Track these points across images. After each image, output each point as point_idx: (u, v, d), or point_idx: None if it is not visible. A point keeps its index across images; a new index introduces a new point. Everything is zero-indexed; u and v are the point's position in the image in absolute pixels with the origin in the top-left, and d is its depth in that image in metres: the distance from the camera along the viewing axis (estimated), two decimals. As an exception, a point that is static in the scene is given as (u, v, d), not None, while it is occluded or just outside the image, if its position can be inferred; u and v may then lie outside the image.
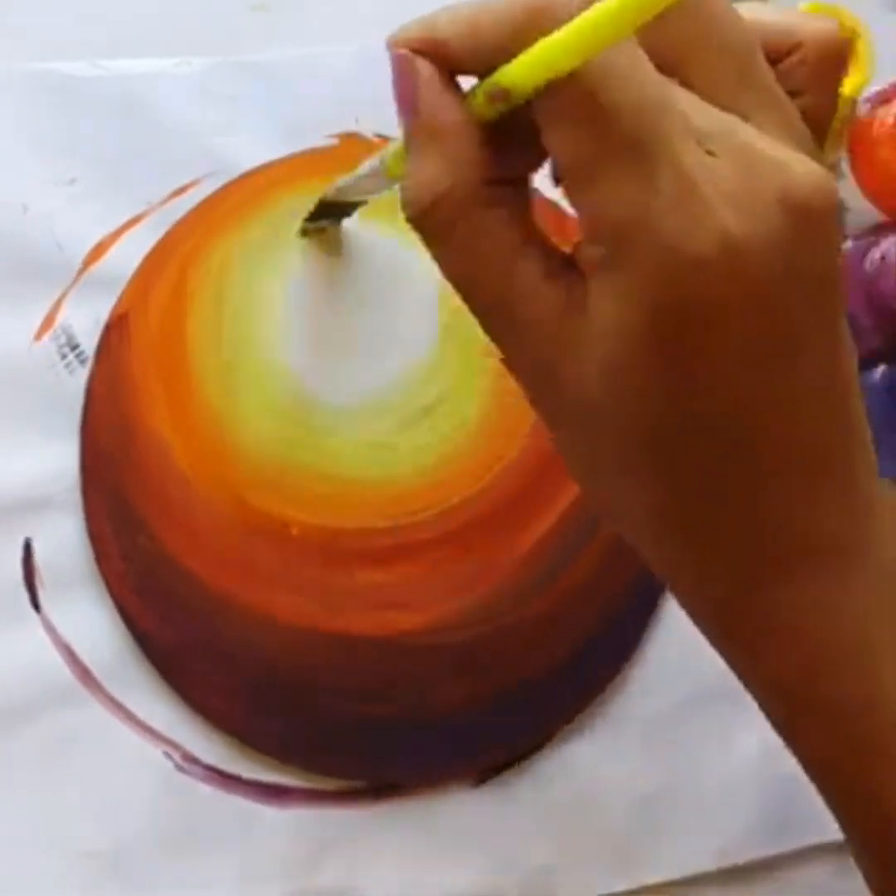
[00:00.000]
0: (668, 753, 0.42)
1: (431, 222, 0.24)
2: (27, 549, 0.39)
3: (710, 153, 0.21)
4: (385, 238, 0.44)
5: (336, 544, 0.41)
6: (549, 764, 0.42)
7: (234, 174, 0.43)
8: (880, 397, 0.44)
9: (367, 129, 0.45)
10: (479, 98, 0.24)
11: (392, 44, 0.25)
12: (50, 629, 0.39)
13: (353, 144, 0.45)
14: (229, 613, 0.40)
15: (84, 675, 0.39)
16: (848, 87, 0.45)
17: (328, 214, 0.42)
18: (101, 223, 0.42)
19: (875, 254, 0.44)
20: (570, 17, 0.21)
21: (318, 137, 0.45)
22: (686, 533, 0.25)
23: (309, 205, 0.42)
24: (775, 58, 0.24)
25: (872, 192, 0.46)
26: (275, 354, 0.42)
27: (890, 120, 0.45)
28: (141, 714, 0.39)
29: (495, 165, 0.24)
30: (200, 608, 0.40)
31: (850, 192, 0.47)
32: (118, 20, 0.44)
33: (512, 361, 0.25)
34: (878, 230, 0.46)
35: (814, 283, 0.22)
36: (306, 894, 0.39)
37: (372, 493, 0.41)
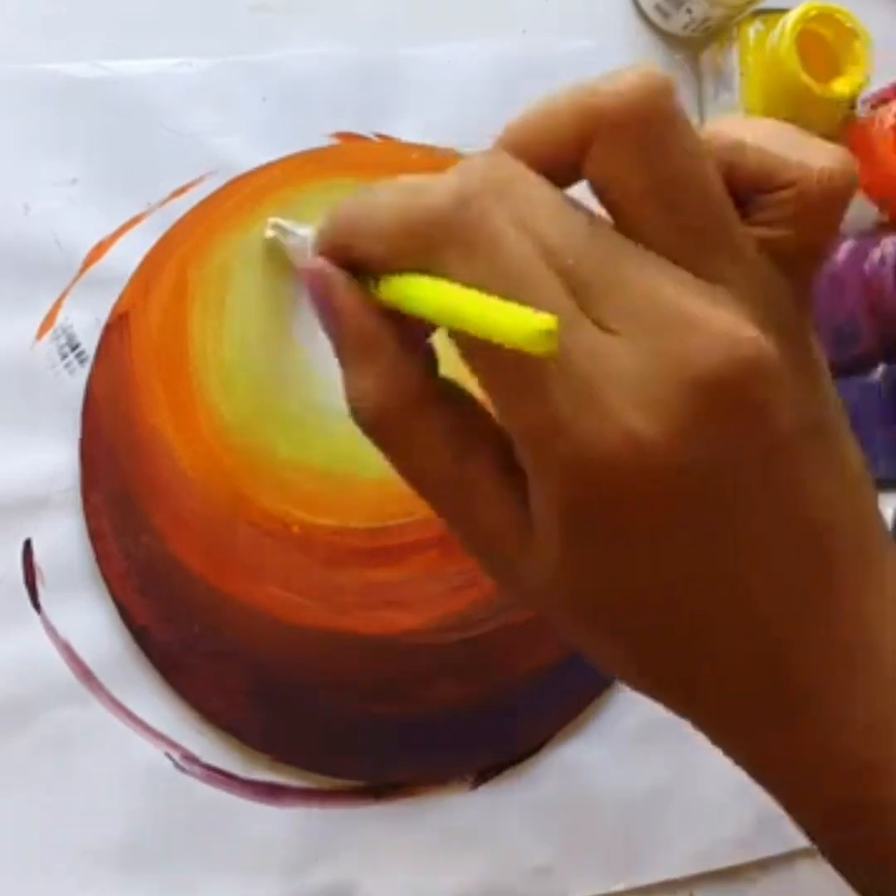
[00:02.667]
0: (665, 754, 0.42)
1: (376, 434, 0.23)
2: (27, 548, 0.39)
3: (611, 332, 0.21)
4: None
5: (337, 543, 0.41)
6: (547, 764, 0.42)
7: (234, 174, 0.43)
8: (879, 397, 0.44)
9: (367, 129, 0.45)
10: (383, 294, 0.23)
11: (306, 263, 0.24)
12: (50, 629, 0.39)
13: (352, 144, 0.45)
14: (230, 612, 0.40)
15: (84, 674, 0.39)
16: (847, 87, 0.45)
17: None
18: (101, 223, 0.42)
19: (875, 254, 0.44)
20: (447, 237, 0.21)
21: (319, 137, 0.45)
22: (662, 685, 0.25)
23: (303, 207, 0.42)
24: (759, 186, 0.23)
25: (872, 192, 0.46)
26: (275, 354, 0.42)
27: (890, 120, 0.45)
28: (141, 713, 0.39)
29: (429, 364, 0.23)
30: (201, 606, 0.40)
31: (849, 192, 0.47)
32: (119, 21, 0.44)
33: (475, 557, 0.25)
34: (878, 230, 0.46)
35: (751, 454, 0.21)
36: (306, 893, 0.39)
37: (373, 492, 0.41)
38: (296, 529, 0.41)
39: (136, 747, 0.39)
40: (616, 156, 0.21)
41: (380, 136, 0.45)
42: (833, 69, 0.45)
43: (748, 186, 0.22)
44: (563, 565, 0.23)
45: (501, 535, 0.23)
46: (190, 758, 0.39)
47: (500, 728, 0.41)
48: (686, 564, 0.22)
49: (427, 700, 0.41)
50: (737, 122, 0.23)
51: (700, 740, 0.44)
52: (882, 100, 0.46)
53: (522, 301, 0.19)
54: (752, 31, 0.46)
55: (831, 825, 0.25)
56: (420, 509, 0.42)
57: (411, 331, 0.23)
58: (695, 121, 0.25)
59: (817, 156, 0.22)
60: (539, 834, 0.41)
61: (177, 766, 0.39)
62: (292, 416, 0.41)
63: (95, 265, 0.41)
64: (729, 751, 0.26)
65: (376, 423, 0.23)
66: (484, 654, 0.41)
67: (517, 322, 0.18)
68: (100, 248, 0.42)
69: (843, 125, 0.47)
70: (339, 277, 0.23)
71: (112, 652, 0.39)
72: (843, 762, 0.24)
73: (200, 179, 0.43)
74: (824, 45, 0.45)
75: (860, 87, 0.45)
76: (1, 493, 0.39)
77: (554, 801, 0.41)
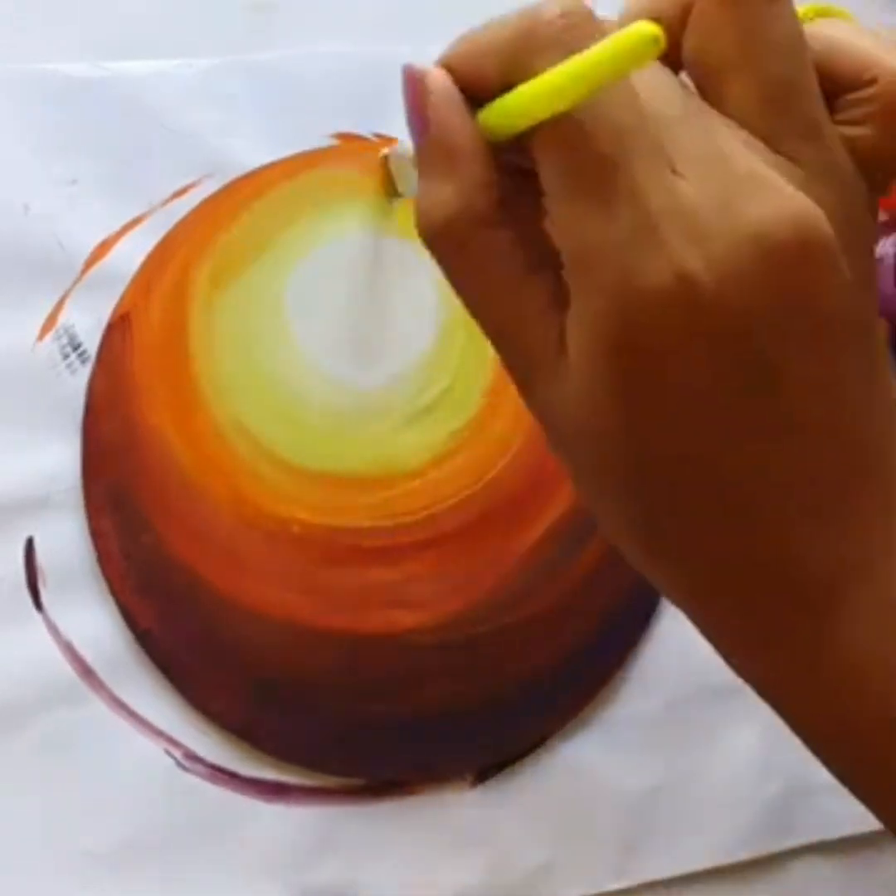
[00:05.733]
0: (666, 752, 0.42)
1: (442, 243, 0.24)
2: (29, 548, 0.39)
3: (678, 175, 0.21)
4: (386, 237, 0.44)
5: (337, 543, 0.41)
6: (548, 762, 0.42)
7: (235, 174, 0.43)
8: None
9: (367, 129, 0.45)
10: (489, 120, 0.24)
11: (406, 66, 0.25)
12: (52, 629, 0.39)
13: (353, 145, 0.45)
14: (231, 611, 0.40)
15: (86, 673, 0.39)
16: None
17: None
18: (102, 223, 0.42)
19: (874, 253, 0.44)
20: (554, 38, 0.21)
21: (319, 137, 0.45)
22: (675, 559, 0.25)
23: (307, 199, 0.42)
24: (847, 85, 0.23)
25: (871, 193, 0.46)
26: (276, 354, 0.42)
27: (889, 120, 0.45)
28: (143, 712, 0.39)
29: (506, 186, 0.24)
30: (202, 606, 0.40)
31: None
32: (119, 21, 0.44)
33: (513, 379, 0.25)
34: (879, 230, 0.46)
35: (797, 323, 0.21)
36: (306, 892, 0.39)
37: (373, 492, 0.42)
38: (296, 529, 0.41)
39: (139, 746, 0.39)
40: (715, 23, 0.22)
41: (379, 136, 0.45)
42: (832, 70, 0.45)
43: (839, 85, 0.23)
44: (586, 399, 0.22)
45: (539, 356, 0.23)
46: (192, 756, 0.39)
47: (500, 727, 0.41)
48: (719, 427, 0.22)
49: (427, 699, 0.41)
50: (833, 23, 0.24)
51: (700, 740, 0.44)
52: (881, 100, 0.46)
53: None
54: (752, 31, 0.46)
55: (851, 739, 0.24)
56: (420, 509, 0.42)
57: (494, 159, 0.24)
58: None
59: (891, 55, 0.23)
60: (539, 832, 0.41)
61: (179, 764, 0.39)
62: (292, 417, 0.42)
63: (97, 265, 0.41)
64: (741, 656, 0.25)
65: (445, 231, 0.23)
66: (484, 654, 0.41)
67: (622, 41, 0.19)
68: (102, 248, 0.42)
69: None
70: (440, 82, 0.24)
71: (114, 651, 0.39)
72: (865, 672, 0.23)
73: (201, 180, 0.43)
74: (823, 45, 0.45)
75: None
76: (2, 492, 0.39)
77: (554, 799, 0.41)
